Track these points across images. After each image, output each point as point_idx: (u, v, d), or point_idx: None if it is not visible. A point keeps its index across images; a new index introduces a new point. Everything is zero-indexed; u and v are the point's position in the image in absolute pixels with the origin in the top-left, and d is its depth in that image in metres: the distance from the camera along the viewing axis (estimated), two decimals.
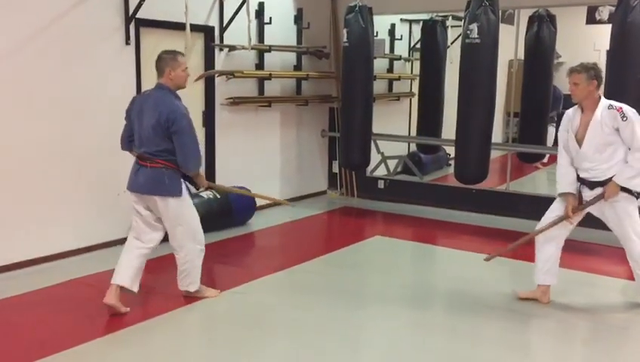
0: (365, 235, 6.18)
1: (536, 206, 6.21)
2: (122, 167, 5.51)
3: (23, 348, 3.50)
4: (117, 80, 5.32)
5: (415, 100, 8.90)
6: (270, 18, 6.70)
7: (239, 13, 6.19)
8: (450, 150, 8.97)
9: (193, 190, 4.38)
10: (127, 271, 3.98)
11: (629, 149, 3.88)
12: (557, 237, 4.17)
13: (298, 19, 7.21)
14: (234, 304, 4.24)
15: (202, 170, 4.23)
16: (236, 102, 6.44)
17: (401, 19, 8.95)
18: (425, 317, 4.15)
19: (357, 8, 6.42)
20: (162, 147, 3.84)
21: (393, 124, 8.62)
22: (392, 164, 8.06)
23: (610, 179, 3.92)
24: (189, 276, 4.15)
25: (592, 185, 4.00)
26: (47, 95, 4.80)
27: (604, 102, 3.94)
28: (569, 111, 4.11)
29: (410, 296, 4.45)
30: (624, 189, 3.90)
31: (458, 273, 5.07)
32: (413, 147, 9.03)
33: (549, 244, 4.18)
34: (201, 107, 6.27)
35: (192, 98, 6.15)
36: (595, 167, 3.96)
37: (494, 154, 6.30)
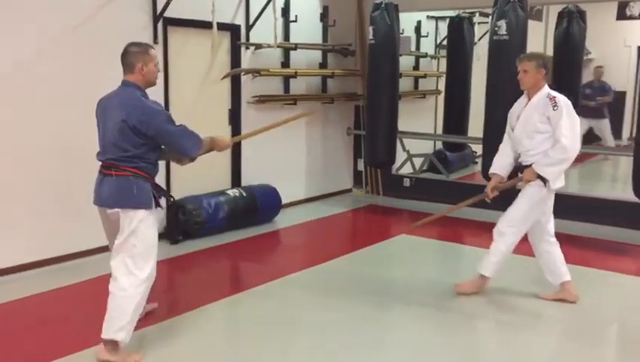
0: (391, 234, 6.16)
1: (564, 204, 6.15)
2: None
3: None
4: None
5: (441, 98, 8.85)
6: (296, 16, 6.71)
7: (265, 11, 6.21)
8: (477, 148, 8.94)
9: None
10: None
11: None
12: (542, 240, 4.22)
13: (324, 16, 7.21)
14: (259, 302, 4.25)
15: (214, 134, 3.68)
16: (262, 100, 6.46)
17: (427, 16, 8.89)
18: (451, 317, 4.11)
19: (383, 5, 6.40)
20: (131, 152, 3.25)
21: (419, 122, 8.57)
22: (417, 162, 8.01)
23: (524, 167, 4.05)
24: (124, 315, 3.21)
25: (521, 169, 4.11)
26: (81, 94, 4.86)
27: (546, 90, 4.01)
28: (520, 98, 4.19)
29: (437, 296, 4.41)
30: (540, 177, 3.98)
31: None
32: (439, 145, 8.98)
33: (544, 245, 4.23)
34: (228, 105, 6.31)
35: (218, 96, 6.21)
36: (525, 152, 4.06)
37: None
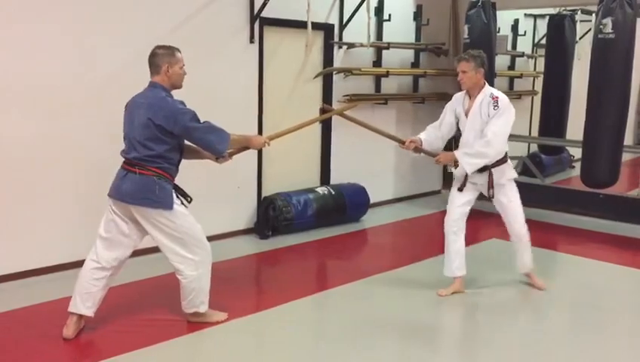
0: (481, 237, 6.00)
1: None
2: (240, 163, 5.71)
3: None
4: (241, 78, 5.53)
5: (537, 98, 8.52)
6: (389, 15, 6.67)
7: (359, 10, 6.22)
8: (574, 151, 8.54)
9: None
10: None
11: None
12: (464, 227, 4.34)
13: (417, 15, 7.12)
14: (344, 301, 4.26)
15: (246, 133, 3.83)
16: (353, 99, 6.47)
17: (525, 14, 8.60)
18: (544, 325, 3.97)
19: (480, 3, 6.25)
20: (155, 152, 3.36)
21: (514, 123, 8.27)
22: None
23: (497, 163, 4.08)
24: (199, 295, 3.61)
25: (484, 168, 4.11)
26: (180, 94, 5.07)
27: (488, 90, 4.07)
28: (457, 95, 4.26)
29: (528, 303, 4.26)
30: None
31: (582, 281, 4.80)
32: (534, 147, 8.66)
33: (461, 235, 4.32)
34: (319, 104, 6.37)
35: (310, 95, 6.28)
36: None
37: (625, 157, 5.88)
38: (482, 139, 3.99)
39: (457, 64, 4.10)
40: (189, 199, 3.61)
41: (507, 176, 4.18)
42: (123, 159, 3.48)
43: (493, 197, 4.21)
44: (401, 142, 4.31)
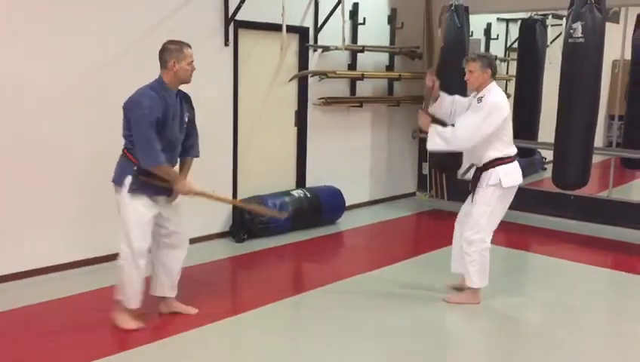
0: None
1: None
2: (216, 166, 5.69)
3: None
4: (215, 81, 5.50)
5: (510, 101, 8.63)
6: (364, 18, 6.71)
7: (334, 14, 6.24)
8: (547, 153, 8.67)
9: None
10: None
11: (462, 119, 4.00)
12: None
13: (392, 19, 7.18)
14: (320, 303, 4.27)
15: (184, 176, 3.74)
16: (328, 102, 6.49)
17: (497, 19, 8.71)
18: (517, 325, 4.02)
19: (453, 7, 6.30)
20: (124, 132, 3.55)
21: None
22: None
23: (485, 166, 4.03)
24: (121, 290, 3.63)
25: (476, 170, 4.12)
26: None
27: (489, 90, 4.02)
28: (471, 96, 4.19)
29: (502, 303, 4.31)
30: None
31: (554, 281, 4.88)
32: None
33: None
34: (294, 107, 6.37)
35: (285, 98, 6.28)
36: (474, 153, 4.07)
37: (595, 159, 5.99)
38: (455, 126, 3.99)
39: (465, 64, 4.07)
40: (155, 198, 3.58)
41: (490, 181, 4.03)
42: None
43: (472, 201, 4.15)
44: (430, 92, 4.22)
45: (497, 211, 4.10)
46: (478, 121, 3.92)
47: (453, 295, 4.28)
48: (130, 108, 3.46)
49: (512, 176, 4.05)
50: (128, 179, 3.49)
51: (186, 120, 3.70)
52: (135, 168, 3.49)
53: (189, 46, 3.57)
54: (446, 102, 4.24)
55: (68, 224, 4.65)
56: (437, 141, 4.02)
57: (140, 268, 3.57)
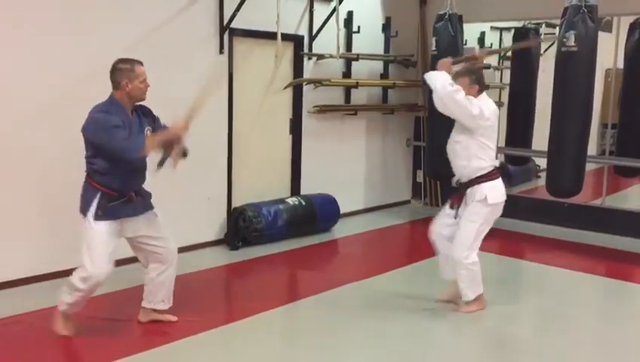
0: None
1: (634, 223, 5.92)
2: (210, 174, 5.68)
3: None
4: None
5: (504, 110, 8.67)
6: (358, 27, 6.73)
7: (328, 22, 6.27)
8: (540, 162, 8.69)
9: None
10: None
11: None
12: (446, 237, 4.22)
13: (386, 27, 7.21)
14: (315, 311, 4.26)
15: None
16: (323, 110, 6.51)
17: (491, 27, 8.75)
18: (510, 332, 4.03)
19: (447, 16, 6.34)
20: (86, 155, 3.49)
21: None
22: None
23: (470, 182, 4.01)
24: (62, 295, 3.60)
25: (461, 185, 4.10)
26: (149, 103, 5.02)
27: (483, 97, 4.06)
28: None
29: (495, 311, 4.32)
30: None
31: (547, 288, 4.89)
32: (501, 158, 8.79)
33: (447, 240, 4.21)
34: (289, 115, 6.39)
35: (280, 106, 6.30)
36: (459, 162, 4.08)
37: (588, 167, 6.02)
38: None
39: (453, 79, 4.01)
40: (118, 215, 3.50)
41: (476, 197, 4.01)
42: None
43: (455, 217, 4.13)
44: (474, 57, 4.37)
45: (484, 228, 4.08)
46: (466, 103, 3.92)
47: (462, 304, 4.26)
48: (88, 126, 3.39)
49: (498, 192, 4.05)
50: (93, 206, 3.44)
51: (148, 133, 3.57)
52: (99, 194, 3.44)
53: (140, 63, 3.50)
54: None
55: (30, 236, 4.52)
56: (436, 81, 3.94)
57: (93, 288, 3.53)
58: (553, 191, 5.86)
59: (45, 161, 4.52)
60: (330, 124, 6.73)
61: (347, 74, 6.78)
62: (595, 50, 5.43)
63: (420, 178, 7.76)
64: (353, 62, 6.76)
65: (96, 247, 3.45)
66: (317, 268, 5.40)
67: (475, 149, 4.01)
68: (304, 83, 6.33)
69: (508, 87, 8.07)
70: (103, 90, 3.57)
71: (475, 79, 4.05)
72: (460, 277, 4.14)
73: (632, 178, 7.87)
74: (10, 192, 4.39)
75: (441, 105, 3.96)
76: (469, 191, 4.06)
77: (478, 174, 4.02)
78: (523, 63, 7.68)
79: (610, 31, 7.43)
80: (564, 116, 5.52)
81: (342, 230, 6.42)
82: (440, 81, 3.95)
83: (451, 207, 4.19)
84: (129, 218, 3.58)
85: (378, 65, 7.19)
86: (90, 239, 3.46)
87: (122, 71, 3.43)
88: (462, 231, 4.06)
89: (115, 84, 3.45)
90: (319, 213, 6.20)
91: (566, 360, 3.64)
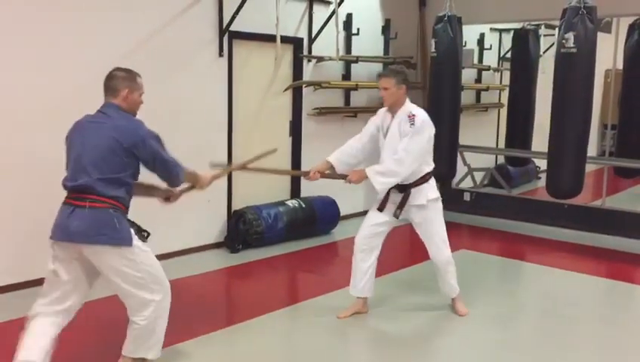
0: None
1: (635, 223, 5.92)
2: None
3: None
4: (210, 92, 5.51)
5: (504, 111, 8.68)
6: (358, 29, 6.74)
7: (328, 24, 6.28)
8: (540, 163, 8.71)
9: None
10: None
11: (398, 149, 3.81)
12: (376, 247, 4.16)
13: (386, 29, 7.21)
14: (315, 313, 4.26)
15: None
16: (323, 112, 6.51)
17: (490, 29, 8.78)
18: (510, 335, 4.02)
19: (446, 18, 6.35)
20: (116, 176, 2.95)
21: (480, 136, 8.43)
22: (478, 176, 7.87)
23: (409, 185, 3.90)
24: (153, 336, 3.14)
25: (398, 188, 3.93)
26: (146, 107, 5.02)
27: (408, 107, 3.91)
28: (381, 110, 4.08)
29: (495, 314, 4.32)
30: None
31: (547, 291, 4.88)
32: (501, 159, 8.80)
33: (371, 255, 4.15)
34: (289, 117, 6.39)
35: (280, 108, 6.30)
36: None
37: (588, 168, 6.03)
38: (393, 156, 3.81)
39: (379, 80, 3.95)
40: (145, 234, 3.13)
41: (428, 196, 3.96)
42: (66, 193, 3.00)
43: (398, 217, 4.01)
44: (306, 174, 4.10)
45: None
46: (421, 142, 3.82)
47: (459, 308, 4.25)
48: (148, 139, 3.04)
49: (435, 187, 4.08)
50: (131, 231, 3.00)
51: None
52: (125, 214, 3.04)
53: (139, 75, 3.19)
54: (345, 157, 4.08)
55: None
56: (385, 180, 3.82)
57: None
58: (553, 193, 5.87)
59: (46, 163, 4.52)
60: (329, 126, 6.73)
61: (347, 76, 6.78)
62: (595, 51, 5.44)
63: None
64: (353, 65, 6.76)
65: (158, 266, 3.11)
66: (317, 270, 5.40)
67: (426, 155, 3.96)
68: (304, 85, 6.34)
69: (508, 89, 8.10)
70: (98, 97, 3.55)
71: (402, 79, 3.89)
72: (450, 274, 4.18)
73: (632, 178, 7.88)
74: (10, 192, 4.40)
75: (414, 168, 3.85)
76: (414, 191, 3.94)
77: (425, 172, 3.97)
78: (523, 64, 7.70)
79: (609, 32, 7.45)
80: (564, 117, 5.53)
81: (342, 232, 6.41)
82: (385, 178, 3.81)
83: (379, 209, 4.05)
84: None
85: (378, 68, 7.17)
86: (150, 263, 3.06)
87: (123, 79, 3.10)
88: (437, 232, 4.07)
89: (114, 91, 3.08)
90: (319, 215, 6.20)
91: (566, 360, 3.64)
